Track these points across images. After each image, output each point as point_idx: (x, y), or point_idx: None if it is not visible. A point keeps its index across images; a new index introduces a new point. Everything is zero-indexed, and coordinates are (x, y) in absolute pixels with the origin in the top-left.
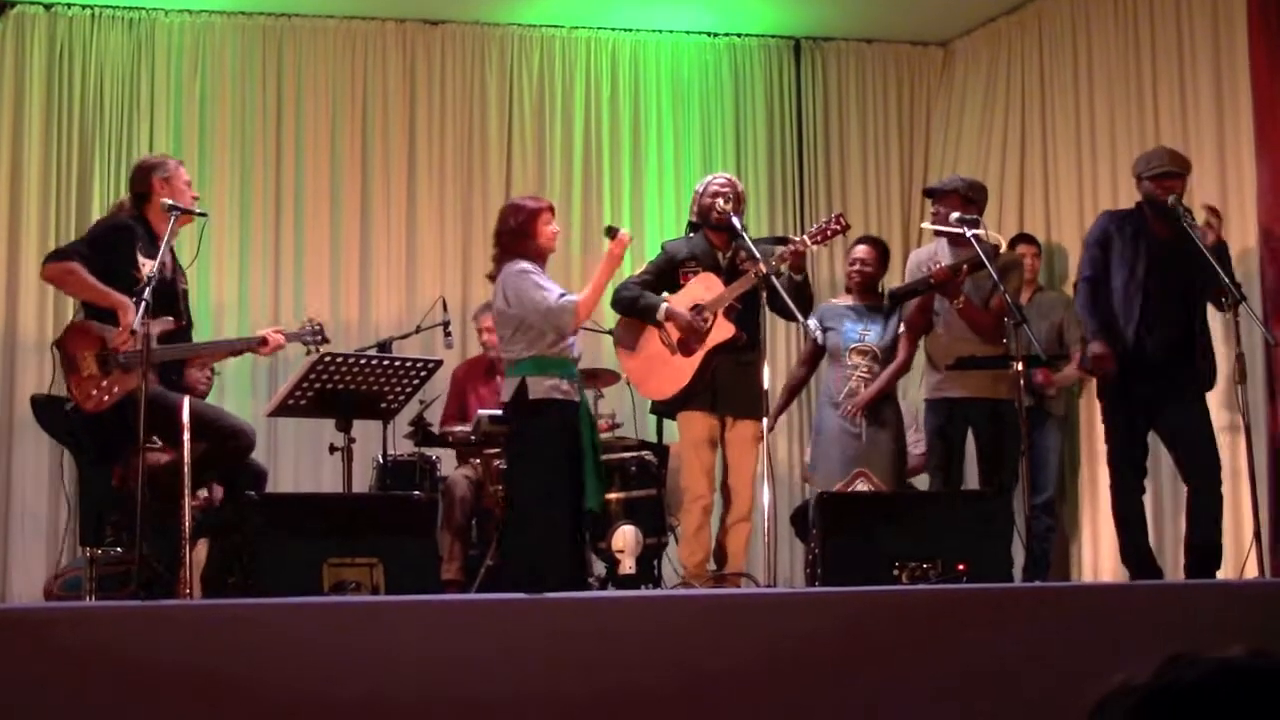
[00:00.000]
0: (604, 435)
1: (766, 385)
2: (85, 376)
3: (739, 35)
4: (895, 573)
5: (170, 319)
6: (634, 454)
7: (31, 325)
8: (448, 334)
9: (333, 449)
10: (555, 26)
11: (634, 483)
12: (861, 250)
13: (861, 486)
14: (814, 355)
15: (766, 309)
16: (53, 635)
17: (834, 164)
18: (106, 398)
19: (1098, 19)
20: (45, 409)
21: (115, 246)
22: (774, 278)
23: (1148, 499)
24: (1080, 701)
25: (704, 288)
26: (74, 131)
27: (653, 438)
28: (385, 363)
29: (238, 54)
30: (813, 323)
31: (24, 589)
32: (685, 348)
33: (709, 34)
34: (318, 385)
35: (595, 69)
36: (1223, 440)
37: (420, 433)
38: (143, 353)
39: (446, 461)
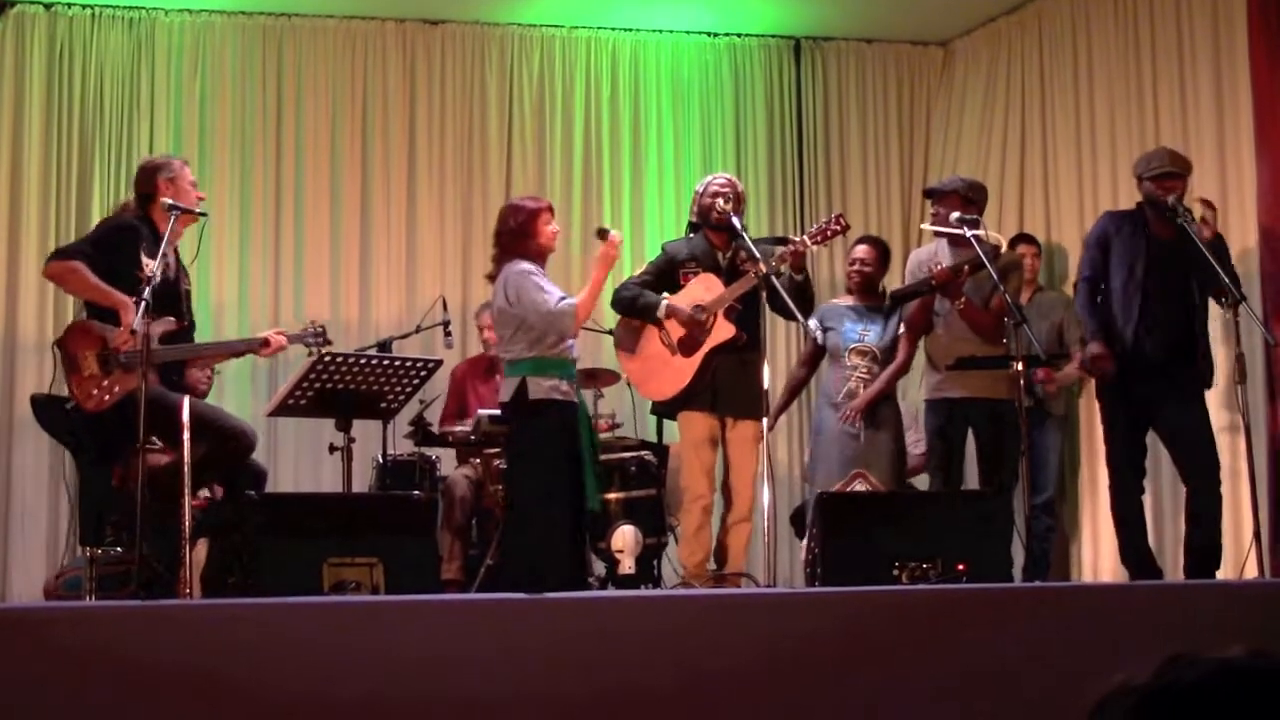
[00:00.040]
0: (604, 435)
1: (766, 385)
2: (86, 376)
3: (739, 35)
4: (895, 573)
5: (172, 319)
6: (634, 454)
7: (31, 325)
8: (448, 334)
9: (333, 449)
10: (555, 26)
11: (634, 483)
12: (861, 250)
13: (859, 487)
14: (814, 355)
15: (767, 309)
16: (53, 635)
17: (834, 164)
18: (107, 397)
19: (1098, 19)
20: (45, 408)
21: (119, 246)
22: (774, 278)
23: (1148, 499)
24: (1080, 701)
25: (704, 288)
26: (74, 131)
27: (653, 438)
28: (385, 362)
29: (238, 54)
30: (813, 323)
31: (24, 589)
32: (686, 348)
33: (709, 34)
34: (318, 385)
35: (595, 69)
36: (1222, 440)
37: (420, 432)
38: (142, 352)
39: (446, 461)
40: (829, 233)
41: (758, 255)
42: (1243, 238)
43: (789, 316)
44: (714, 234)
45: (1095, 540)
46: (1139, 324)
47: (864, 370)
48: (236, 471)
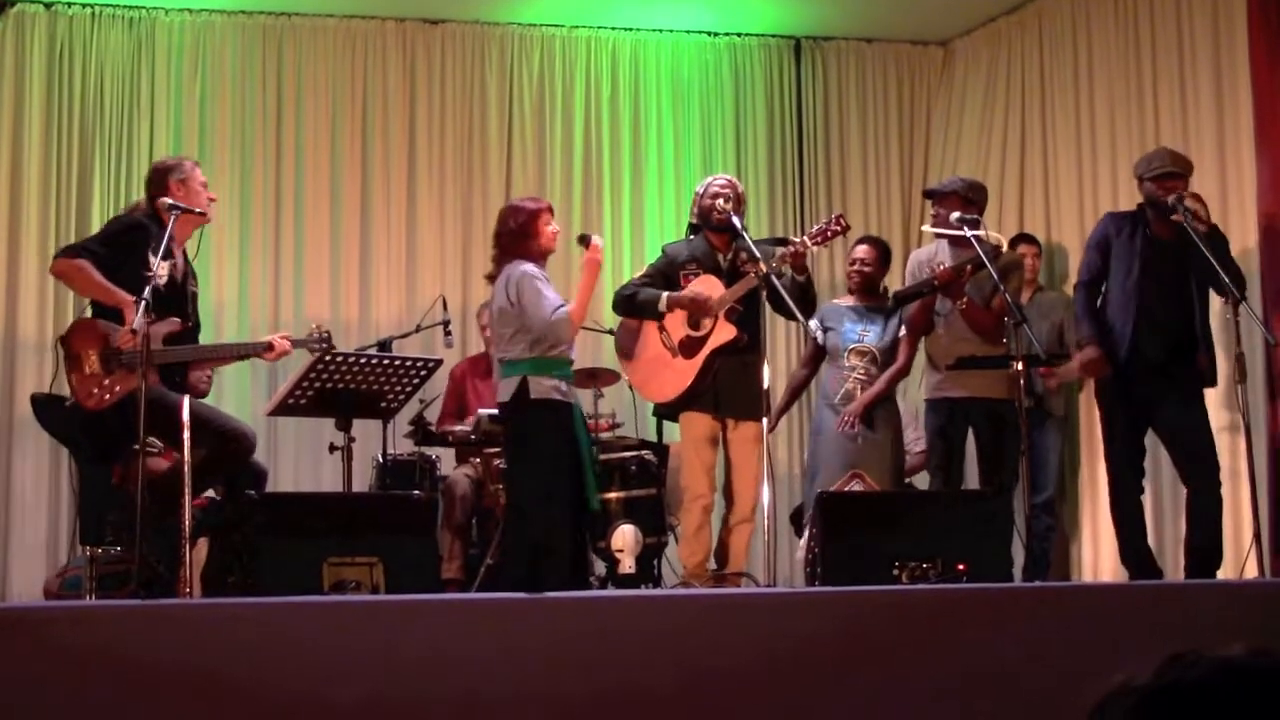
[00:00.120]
0: (604, 435)
1: (767, 385)
2: (87, 374)
3: (739, 35)
4: (895, 573)
5: (176, 320)
6: (634, 453)
7: (31, 325)
8: (448, 333)
9: (333, 448)
10: (555, 26)
11: (634, 482)
12: (862, 250)
13: (856, 487)
14: (815, 356)
15: (767, 309)
16: (53, 634)
17: (834, 163)
18: (108, 396)
19: (1098, 18)
20: (45, 408)
21: (128, 245)
22: (775, 278)
23: (1148, 499)
24: (1080, 701)
25: (705, 289)
26: (74, 131)
27: (653, 437)
28: (385, 362)
29: (238, 53)
30: (814, 323)
31: (24, 588)
32: (687, 350)
33: (709, 33)
34: (318, 384)
35: (595, 68)
36: (1222, 440)
37: (420, 432)
38: (143, 352)
39: (446, 461)
40: (829, 233)
41: (758, 255)
42: (1243, 237)
43: (790, 317)
44: (714, 235)
45: (1095, 540)
46: (1139, 324)
47: (861, 371)
48: (237, 471)
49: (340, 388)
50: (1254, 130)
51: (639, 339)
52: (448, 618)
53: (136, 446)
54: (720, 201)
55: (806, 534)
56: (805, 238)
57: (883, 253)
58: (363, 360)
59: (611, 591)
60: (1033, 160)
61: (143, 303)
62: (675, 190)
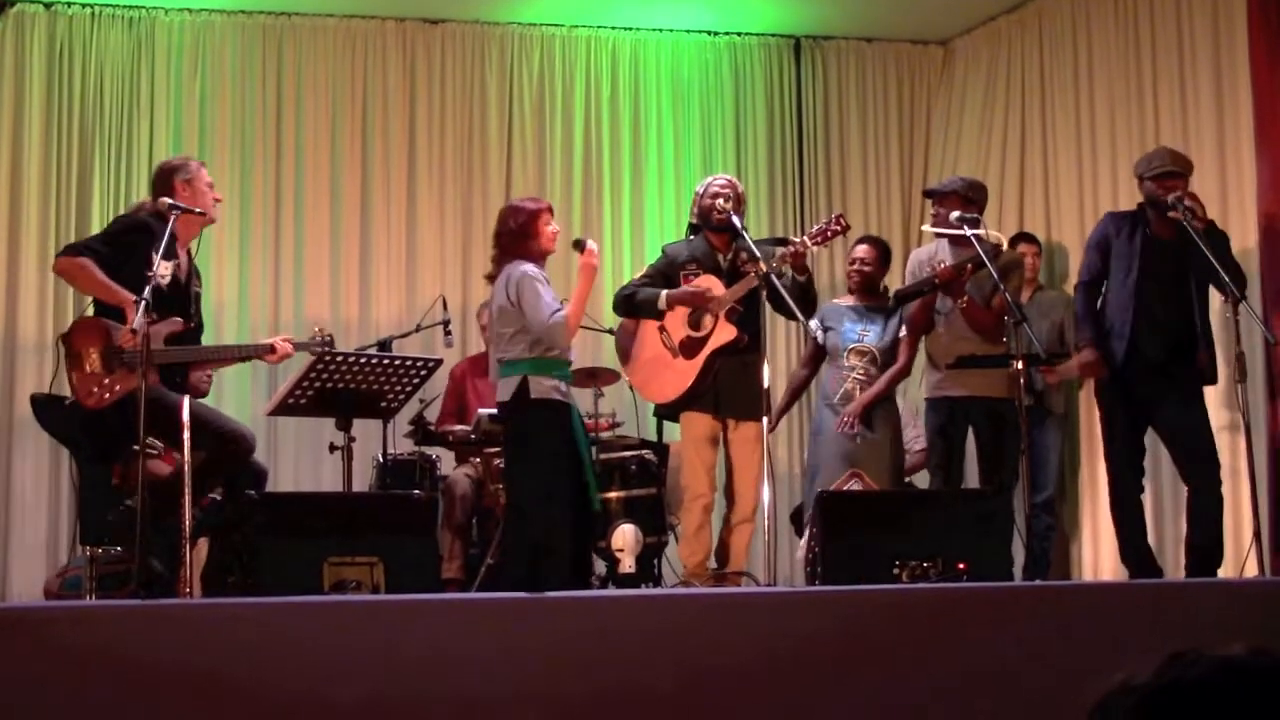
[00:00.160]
0: (604, 435)
1: (767, 384)
2: (88, 373)
3: (739, 34)
4: (895, 572)
5: (179, 320)
6: (634, 452)
7: (31, 325)
8: (448, 333)
9: (333, 448)
10: (555, 25)
11: (634, 481)
12: (862, 250)
13: (855, 486)
14: (816, 356)
15: (767, 309)
16: (53, 634)
17: (834, 163)
18: (108, 395)
19: (1098, 18)
20: (45, 408)
21: (130, 245)
22: (775, 277)
23: (1147, 498)
24: (1081, 701)
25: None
26: (74, 130)
27: (653, 436)
28: (385, 362)
29: (238, 53)
30: (814, 323)
31: (24, 588)
32: (687, 350)
33: (709, 33)
34: (318, 384)
35: (595, 68)
36: (1222, 439)
37: (420, 432)
38: (142, 352)
39: (446, 460)
40: (829, 233)
41: (758, 255)
42: (1243, 237)
43: (790, 316)
44: (714, 236)
45: (1095, 539)
46: (1138, 323)
47: (861, 372)
48: (237, 472)
49: (340, 387)
50: (1254, 130)
51: (638, 340)
52: (448, 618)
53: (137, 447)
54: (720, 201)
55: (807, 534)
56: (805, 238)
57: (883, 252)
58: (363, 360)
59: (611, 591)
60: (1033, 160)
61: (143, 303)
62: (675, 190)
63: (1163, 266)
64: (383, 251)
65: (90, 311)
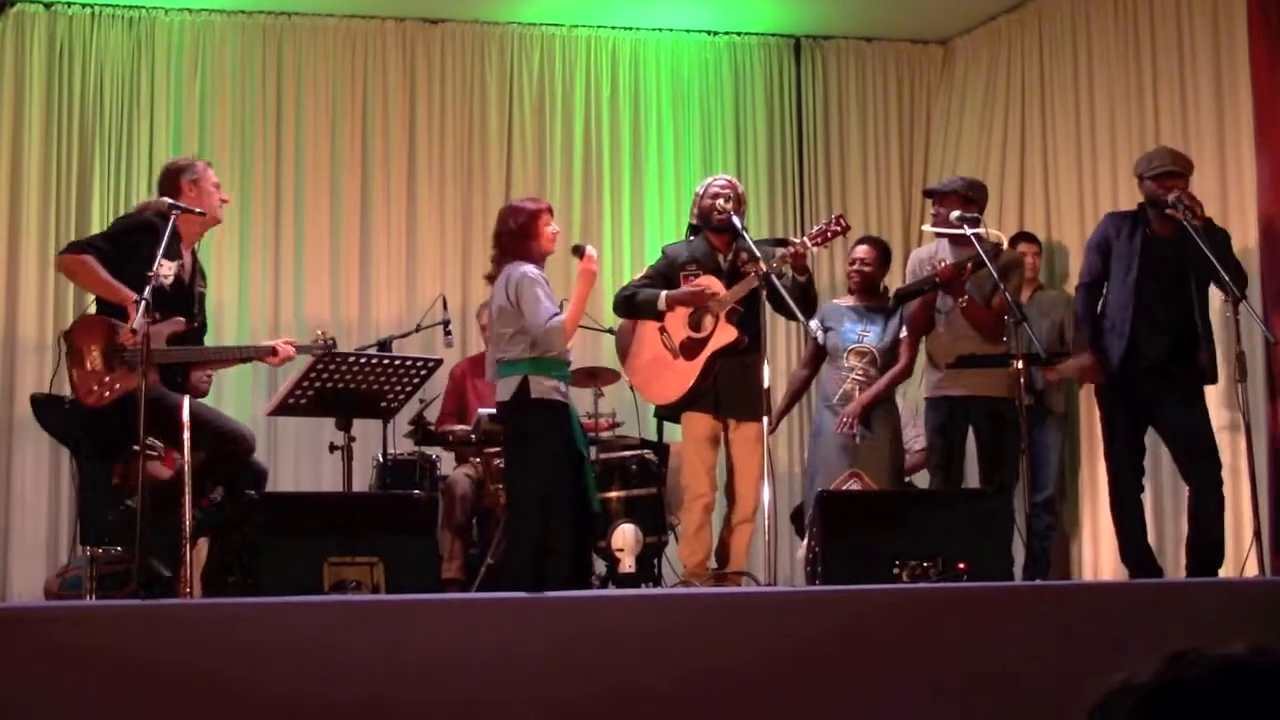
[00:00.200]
0: (604, 433)
1: (767, 384)
2: (89, 370)
3: (739, 34)
4: (895, 571)
5: (181, 319)
6: (634, 452)
7: (31, 326)
8: (448, 333)
9: (333, 448)
10: (555, 25)
11: (634, 481)
12: (861, 250)
13: (854, 486)
14: (816, 356)
15: (767, 309)
16: (53, 634)
17: (834, 162)
18: (107, 393)
19: (1098, 17)
20: (45, 408)
21: (132, 244)
22: (775, 278)
23: (1148, 498)
24: (1081, 701)
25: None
26: (74, 130)
27: (653, 436)
28: (385, 362)
29: (238, 53)
30: (814, 324)
31: (24, 588)
32: (688, 351)
33: (709, 32)
34: (318, 384)
35: (595, 67)
36: (1223, 438)
37: (420, 431)
38: (143, 352)
39: (446, 460)
40: (829, 234)
41: (758, 254)
42: (1243, 237)
43: (791, 317)
44: (715, 236)
45: (1095, 539)
46: (1139, 323)
47: (860, 373)
48: (236, 472)
49: (340, 387)
50: (1254, 130)
51: (639, 341)
52: (448, 618)
53: (137, 448)
54: (720, 201)
55: (808, 535)
56: (805, 238)
57: (882, 253)
58: (363, 360)
59: (611, 591)
60: (1033, 159)
61: (143, 303)
62: (675, 189)
63: (1163, 266)
64: (383, 251)
65: (93, 310)
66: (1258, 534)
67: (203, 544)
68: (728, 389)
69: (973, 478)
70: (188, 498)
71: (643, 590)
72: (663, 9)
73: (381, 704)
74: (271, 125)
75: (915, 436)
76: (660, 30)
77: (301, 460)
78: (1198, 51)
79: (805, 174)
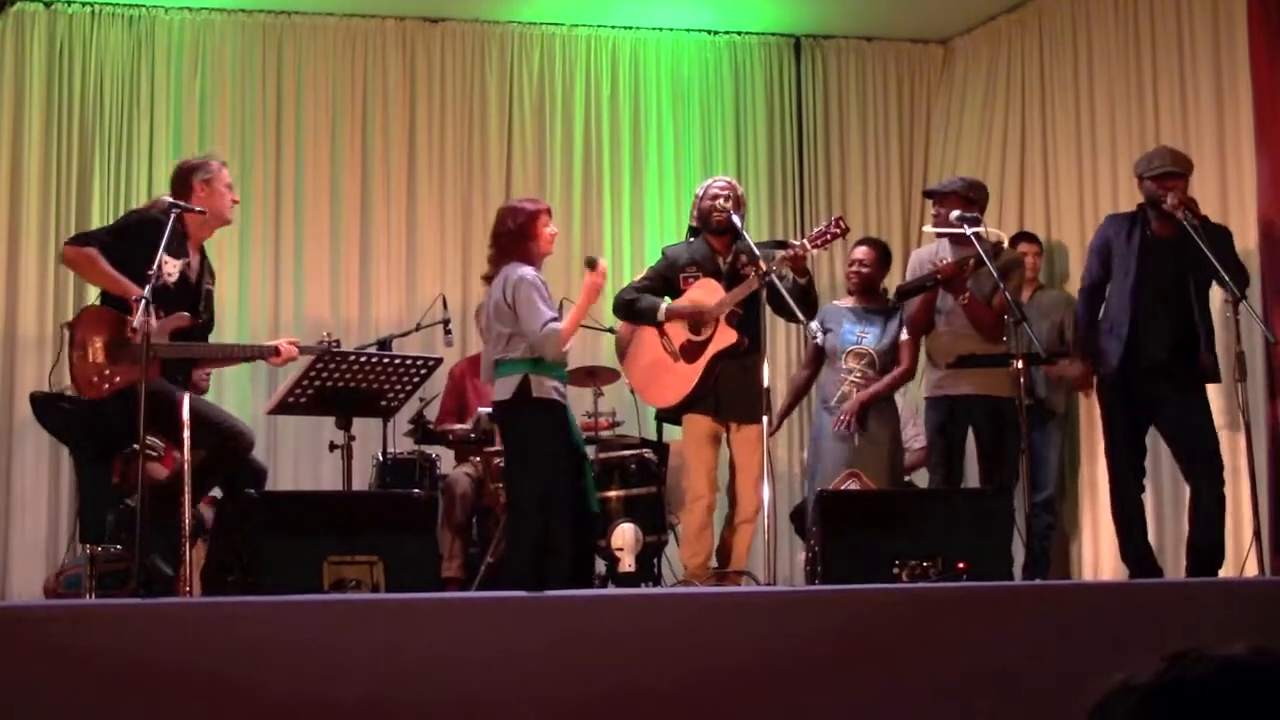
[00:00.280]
0: (604, 433)
1: (766, 384)
2: (90, 362)
3: (739, 33)
4: (895, 571)
5: (185, 315)
6: (634, 452)
7: (31, 325)
8: (448, 332)
9: (333, 447)
10: (555, 24)
11: (634, 480)
12: (861, 251)
13: (852, 486)
14: (817, 358)
15: (767, 311)
16: (53, 634)
17: (834, 162)
18: (107, 386)
19: (1098, 17)
20: (44, 407)
21: (136, 239)
22: (775, 278)
23: (1148, 498)
24: (1081, 701)
25: (705, 293)
26: (74, 129)
27: (653, 435)
28: (385, 361)
29: (238, 51)
30: (814, 325)
31: (24, 587)
32: (688, 354)
33: (709, 32)
34: (318, 383)
35: (595, 67)
36: (1223, 438)
37: (420, 430)
38: (143, 349)
39: (446, 459)
40: (829, 236)
41: (758, 256)
42: (1243, 236)
43: (791, 318)
44: (714, 238)
45: (1095, 539)
46: (1139, 323)
47: (858, 374)
48: (236, 470)
49: (340, 386)
50: (1254, 130)
51: (639, 343)
52: (448, 617)
53: (136, 446)
54: (720, 202)
55: (809, 534)
56: (805, 241)
57: (882, 254)
58: (363, 359)
59: (611, 591)
60: (1033, 159)
61: (143, 301)
62: (675, 189)
63: (1163, 266)
64: (383, 251)
65: (97, 302)
66: (1258, 534)
67: (202, 543)
68: (728, 391)
69: (973, 477)
70: (188, 497)
71: (643, 590)
72: (663, 9)
73: (381, 703)
74: (271, 124)
75: (915, 435)
76: (660, 30)
77: (301, 459)
78: (1198, 51)
79: (805, 173)
